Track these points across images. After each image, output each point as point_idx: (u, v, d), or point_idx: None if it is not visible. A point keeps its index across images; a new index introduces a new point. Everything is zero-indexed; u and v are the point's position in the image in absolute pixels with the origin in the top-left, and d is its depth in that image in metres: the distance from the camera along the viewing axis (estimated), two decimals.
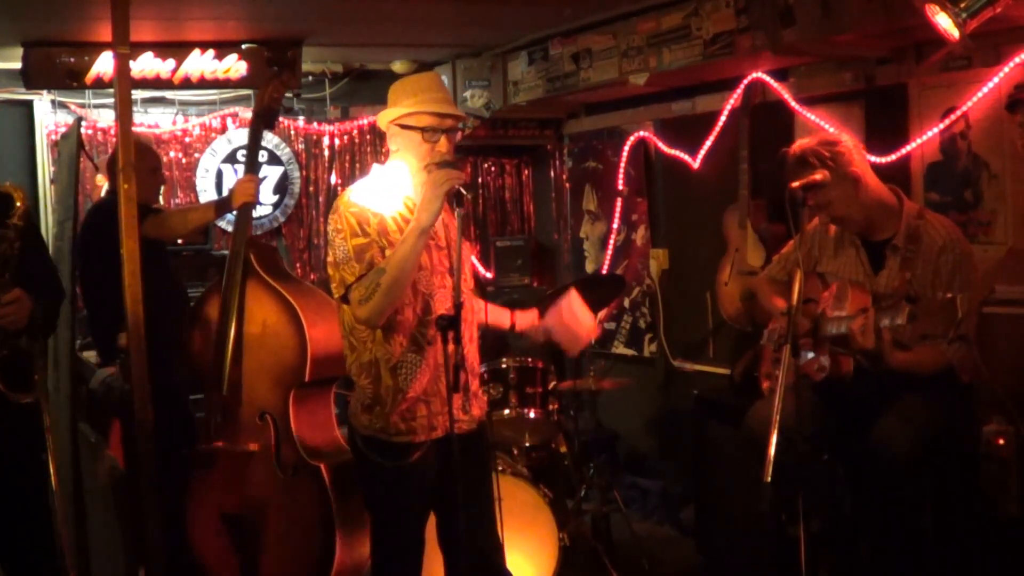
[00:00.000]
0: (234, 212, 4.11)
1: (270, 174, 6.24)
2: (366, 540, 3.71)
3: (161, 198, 5.96)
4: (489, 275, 6.53)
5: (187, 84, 5.50)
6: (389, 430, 3.03)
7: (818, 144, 3.39)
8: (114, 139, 5.32)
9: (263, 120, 4.05)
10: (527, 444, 4.67)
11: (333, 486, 3.66)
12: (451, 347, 2.89)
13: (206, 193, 6.09)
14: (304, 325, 3.71)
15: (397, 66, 6.12)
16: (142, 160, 4.18)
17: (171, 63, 5.41)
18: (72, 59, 5.24)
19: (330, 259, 3.01)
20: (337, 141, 6.42)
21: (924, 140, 4.19)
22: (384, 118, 3.10)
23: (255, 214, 6.16)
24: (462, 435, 3.06)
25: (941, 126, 4.13)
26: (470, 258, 3.31)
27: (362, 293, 2.90)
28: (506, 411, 4.56)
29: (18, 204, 3.16)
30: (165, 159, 6.03)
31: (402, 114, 3.04)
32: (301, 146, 6.36)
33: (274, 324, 3.77)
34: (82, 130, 5.08)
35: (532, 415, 4.59)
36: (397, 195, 3.06)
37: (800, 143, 3.44)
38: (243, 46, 5.46)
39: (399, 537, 3.09)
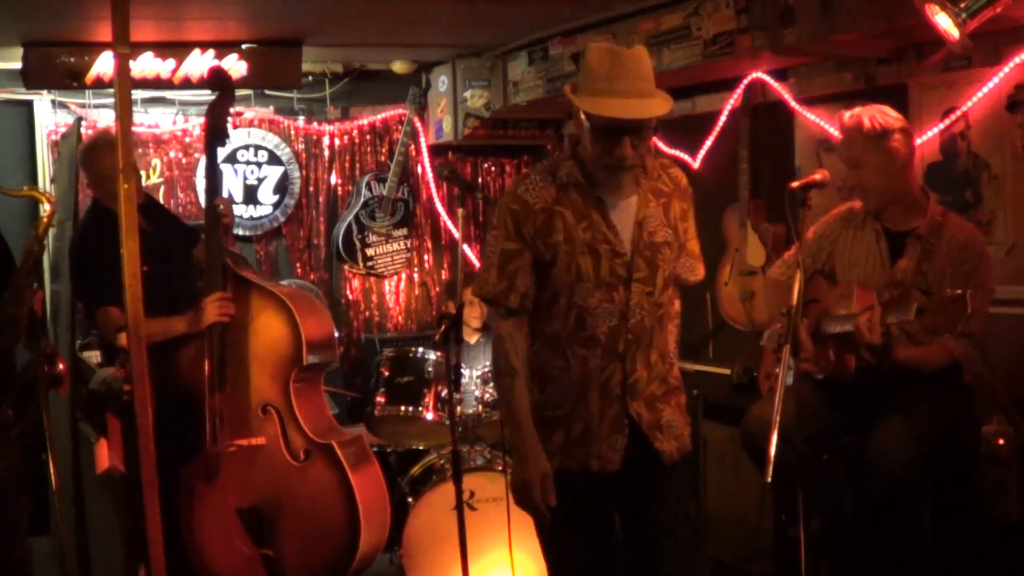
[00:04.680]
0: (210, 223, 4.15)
1: (270, 174, 6.23)
2: (386, 520, 3.87)
3: (161, 198, 5.96)
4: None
5: (187, 84, 5.50)
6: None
7: (876, 112, 3.43)
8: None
9: (216, 140, 4.11)
10: None
11: (347, 461, 3.71)
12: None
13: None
14: (294, 312, 3.80)
15: (397, 66, 6.12)
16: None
17: (171, 63, 5.41)
18: (72, 59, 5.23)
19: (485, 249, 2.77)
20: (337, 141, 6.41)
21: (924, 140, 4.19)
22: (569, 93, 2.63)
23: (255, 214, 6.21)
24: (613, 473, 2.76)
25: (941, 126, 4.12)
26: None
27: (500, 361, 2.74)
28: None
29: (47, 208, 3.52)
30: (165, 159, 6.03)
31: (576, 105, 2.57)
32: (301, 146, 6.35)
33: (264, 317, 3.85)
34: (82, 130, 5.08)
35: None
36: (572, 185, 2.70)
37: (862, 109, 3.47)
38: (243, 46, 5.46)
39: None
